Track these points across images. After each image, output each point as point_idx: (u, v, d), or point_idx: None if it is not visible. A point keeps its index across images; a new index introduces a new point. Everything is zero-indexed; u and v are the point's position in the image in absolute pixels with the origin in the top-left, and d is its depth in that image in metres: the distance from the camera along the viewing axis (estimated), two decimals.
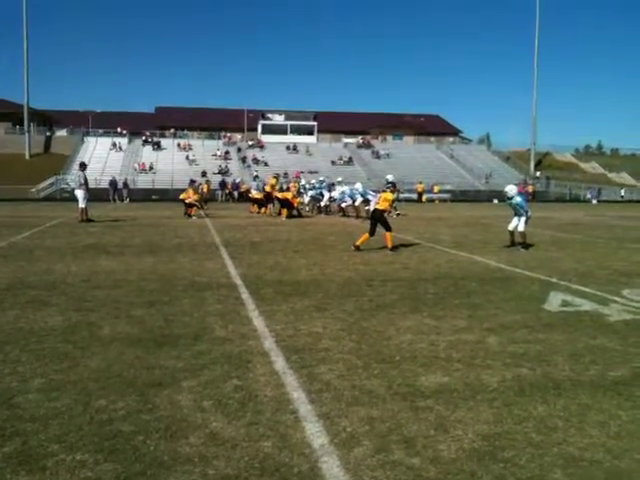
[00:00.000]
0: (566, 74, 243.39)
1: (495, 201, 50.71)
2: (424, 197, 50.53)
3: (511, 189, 14.01)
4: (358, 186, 24.79)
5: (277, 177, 28.26)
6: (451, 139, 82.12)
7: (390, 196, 13.43)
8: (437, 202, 49.88)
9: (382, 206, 13.25)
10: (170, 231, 17.74)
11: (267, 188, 27.76)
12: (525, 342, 5.69)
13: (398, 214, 25.57)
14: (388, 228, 13.03)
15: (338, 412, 3.90)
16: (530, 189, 53.70)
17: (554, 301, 7.64)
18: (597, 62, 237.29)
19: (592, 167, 76.53)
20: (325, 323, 6.33)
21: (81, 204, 20.77)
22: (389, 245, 12.89)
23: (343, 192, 26.53)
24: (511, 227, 14.02)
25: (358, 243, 12.92)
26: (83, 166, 22.18)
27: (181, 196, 25.21)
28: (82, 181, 20.95)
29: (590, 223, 24.01)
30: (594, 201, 54.71)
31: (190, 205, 24.13)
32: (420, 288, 8.46)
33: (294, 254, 12.26)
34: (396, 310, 7.03)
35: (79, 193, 20.86)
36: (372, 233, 13.05)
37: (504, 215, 19.41)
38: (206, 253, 12.32)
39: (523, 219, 13.72)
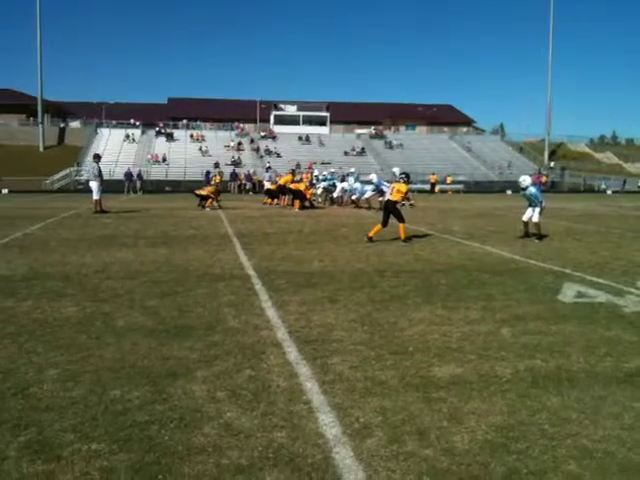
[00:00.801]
0: (581, 64, 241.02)
1: (509, 192, 50.39)
2: (437, 188, 50.28)
3: (525, 179, 13.92)
4: (373, 177, 24.65)
5: (293, 172, 28.15)
6: (464, 129, 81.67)
7: (404, 187, 13.36)
8: (450, 193, 49.62)
9: (395, 197, 13.20)
10: (184, 222, 17.80)
11: (281, 182, 27.71)
12: (539, 333, 5.66)
13: (412, 204, 25.48)
14: (401, 219, 12.99)
15: (351, 403, 3.91)
16: (544, 179, 53.31)
17: (568, 292, 7.59)
18: (612, 52, 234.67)
19: (607, 157, 75.76)
20: (338, 314, 6.34)
21: (95, 195, 20.89)
22: (402, 236, 12.85)
23: (354, 187, 26.49)
24: (525, 218, 13.93)
25: (371, 234, 12.90)
26: (97, 157, 22.31)
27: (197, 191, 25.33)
28: (96, 172, 21.09)
29: (605, 213, 23.80)
30: (609, 191, 54.23)
31: (205, 197, 24.25)
32: (433, 279, 8.43)
33: (307, 245, 12.27)
34: (409, 301, 7.01)
35: (93, 185, 21.00)
36: (385, 224, 13.02)
37: (518, 206, 19.30)
38: (219, 244, 12.36)
39: (537, 210, 13.63)
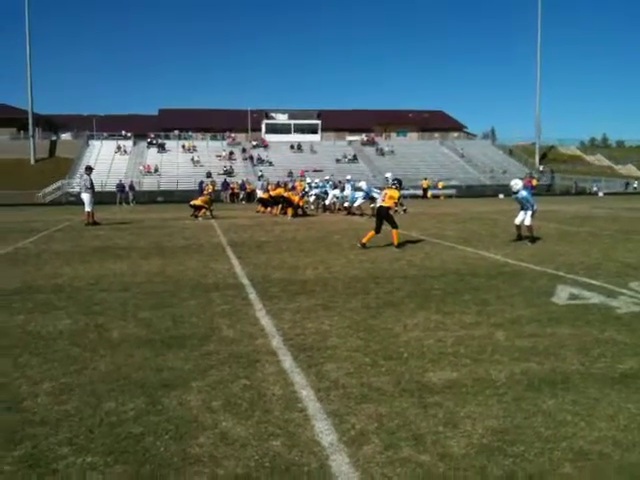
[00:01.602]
0: (570, 67, 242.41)
1: (501, 196, 50.59)
2: (429, 193, 50.43)
3: (516, 183, 13.98)
4: (362, 184, 24.79)
5: (285, 186, 28.20)
6: (455, 134, 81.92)
7: (396, 193, 13.37)
8: (442, 198, 49.81)
9: (387, 203, 13.22)
10: (176, 233, 17.78)
11: (272, 193, 27.77)
12: (533, 336, 5.67)
13: (405, 210, 25.55)
14: (394, 225, 13.01)
15: (347, 410, 3.90)
16: (534, 182, 53.59)
17: (562, 294, 7.61)
18: (601, 54, 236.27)
19: (597, 159, 76.20)
20: (332, 321, 6.33)
21: (87, 208, 20.84)
22: (395, 242, 12.86)
23: (345, 195, 26.57)
24: (517, 221, 13.97)
25: (364, 240, 12.91)
26: (89, 169, 22.26)
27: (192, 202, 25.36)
28: (88, 185, 21.06)
29: (597, 215, 23.90)
30: (600, 193, 54.51)
31: (199, 207, 24.28)
32: (427, 284, 8.45)
33: (300, 253, 12.26)
34: (403, 307, 7.02)
35: (85, 197, 20.96)
36: (378, 230, 13.03)
37: (510, 209, 19.37)
38: (213, 254, 12.34)
39: (529, 213, 13.68)
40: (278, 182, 30.55)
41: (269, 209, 27.51)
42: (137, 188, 48.84)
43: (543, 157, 71.74)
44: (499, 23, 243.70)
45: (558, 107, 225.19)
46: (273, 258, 11.45)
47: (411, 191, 49.21)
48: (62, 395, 4.20)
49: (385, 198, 13.40)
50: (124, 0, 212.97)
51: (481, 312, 6.69)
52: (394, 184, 13.70)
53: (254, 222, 22.33)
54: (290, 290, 8.11)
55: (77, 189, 40.63)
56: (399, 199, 14.23)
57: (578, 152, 79.34)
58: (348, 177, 29.97)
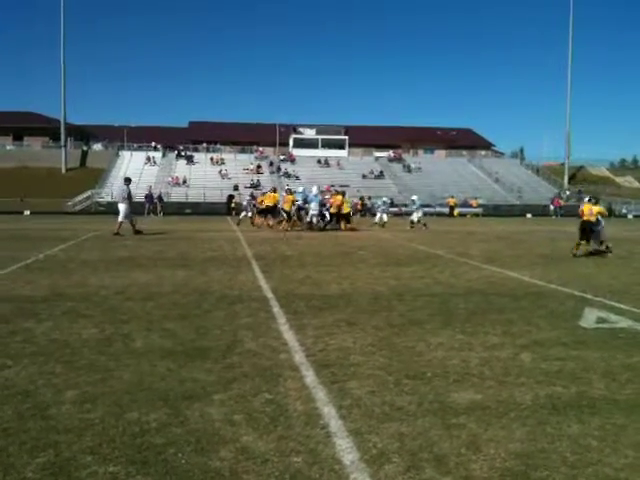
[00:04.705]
0: (601, 88, 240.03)
1: (529, 215, 50.12)
2: (456, 211, 50.12)
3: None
4: (300, 189, 25.73)
5: (343, 193, 27.34)
6: (483, 152, 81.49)
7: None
8: (469, 216, 49.42)
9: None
10: (203, 244, 17.91)
11: (267, 202, 27.31)
12: (559, 359, 5.58)
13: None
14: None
15: (369, 428, 3.87)
16: (562, 203, 53.17)
17: (589, 317, 7.49)
18: (631, 75, 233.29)
19: (627, 181, 75.14)
20: (355, 338, 6.31)
21: (120, 218, 21.23)
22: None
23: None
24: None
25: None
26: (128, 181, 22.78)
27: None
28: (125, 195, 21.62)
29: (626, 238, 23.51)
30: (630, 216, 53.68)
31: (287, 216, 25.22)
32: (452, 303, 8.38)
33: (325, 268, 12.26)
34: (427, 325, 6.97)
35: (122, 207, 21.43)
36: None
37: (537, 230, 19.21)
38: (238, 266, 12.40)
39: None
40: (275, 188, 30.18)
41: (267, 220, 27.21)
42: (165, 199, 49.37)
43: (572, 177, 70.96)
44: (529, 41, 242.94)
45: (588, 127, 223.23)
46: (297, 272, 11.46)
47: (438, 209, 49.10)
48: (86, 404, 4.24)
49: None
50: (155, 10, 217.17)
51: (506, 333, 6.61)
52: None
53: (278, 236, 22.37)
54: (314, 305, 8.10)
55: (109, 199, 41.14)
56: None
57: (607, 173, 78.39)
58: (300, 189, 28.60)
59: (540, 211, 52.92)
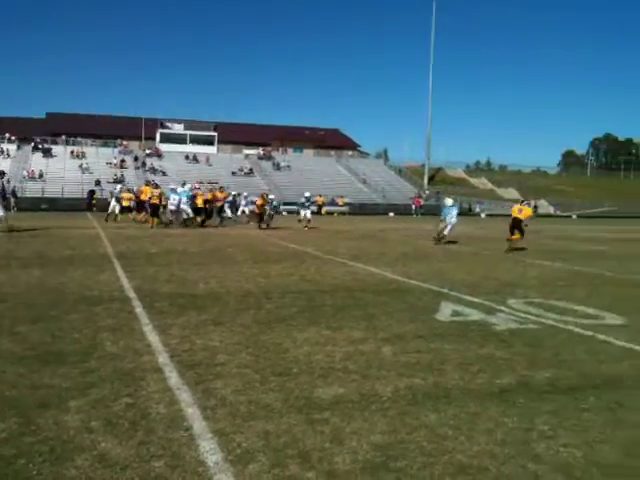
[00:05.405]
0: (459, 93, 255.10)
1: (391, 214, 52.20)
2: (324, 209, 51.07)
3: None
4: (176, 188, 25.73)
5: (156, 185, 26.84)
6: (350, 153, 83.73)
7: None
8: (336, 215, 50.56)
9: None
10: (60, 242, 16.90)
11: (142, 196, 27.29)
12: (418, 352, 5.85)
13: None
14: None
15: (233, 428, 3.84)
16: (422, 202, 56.13)
17: (445, 311, 7.92)
18: (487, 82, 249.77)
19: (482, 182, 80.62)
20: (222, 337, 6.23)
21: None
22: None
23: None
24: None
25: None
26: (2, 174, 20.69)
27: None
28: None
29: (480, 235, 25.16)
30: (483, 214, 57.49)
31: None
32: (318, 300, 8.52)
33: (192, 266, 12.02)
34: (294, 322, 7.03)
35: None
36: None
37: (400, 227, 20.09)
38: (98, 265, 11.82)
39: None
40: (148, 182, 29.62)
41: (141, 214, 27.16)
42: (20, 194, 46.11)
43: (431, 178, 74.88)
44: (393, 47, 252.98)
45: (446, 130, 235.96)
46: (163, 271, 11.13)
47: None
48: None
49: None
50: None
51: (369, 327, 6.83)
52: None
53: (143, 233, 21.61)
54: (179, 304, 7.90)
55: None
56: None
57: (464, 174, 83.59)
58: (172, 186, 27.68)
59: (402, 210, 55.38)
